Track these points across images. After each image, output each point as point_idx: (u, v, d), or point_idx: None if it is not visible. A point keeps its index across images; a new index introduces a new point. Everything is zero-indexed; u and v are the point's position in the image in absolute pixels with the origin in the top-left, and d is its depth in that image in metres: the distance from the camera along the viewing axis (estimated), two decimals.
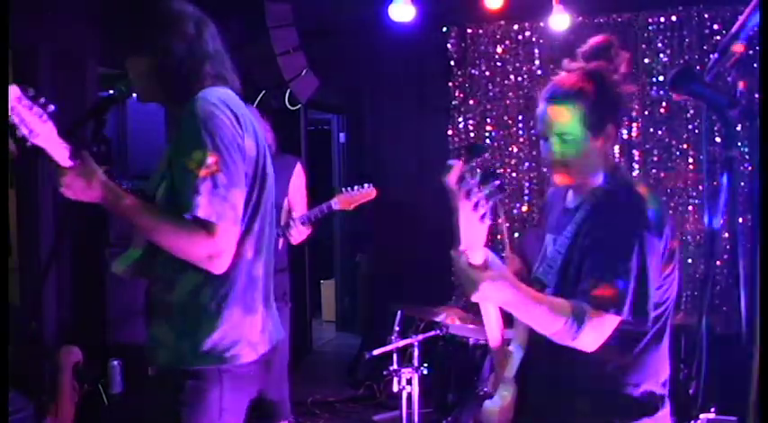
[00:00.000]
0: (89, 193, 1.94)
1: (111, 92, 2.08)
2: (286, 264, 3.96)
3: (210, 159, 1.89)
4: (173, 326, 2.02)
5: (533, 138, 5.41)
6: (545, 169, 5.36)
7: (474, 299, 1.75)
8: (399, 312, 3.82)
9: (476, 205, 1.67)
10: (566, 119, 1.87)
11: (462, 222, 1.71)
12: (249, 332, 2.02)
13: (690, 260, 5.00)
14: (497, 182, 1.71)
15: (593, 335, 1.74)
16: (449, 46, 5.59)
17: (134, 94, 2.15)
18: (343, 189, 3.96)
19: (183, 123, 1.96)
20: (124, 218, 1.97)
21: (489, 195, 1.66)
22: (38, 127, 1.85)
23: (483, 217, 1.67)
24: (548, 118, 1.90)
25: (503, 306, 1.78)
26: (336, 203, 3.85)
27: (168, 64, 2.02)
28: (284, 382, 3.56)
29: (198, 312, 1.98)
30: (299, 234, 3.81)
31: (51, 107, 1.87)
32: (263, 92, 4.19)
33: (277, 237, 3.56)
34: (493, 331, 2.02)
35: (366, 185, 3.91)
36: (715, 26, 4.90)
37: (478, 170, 1.72)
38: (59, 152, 1.90)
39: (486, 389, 2.25)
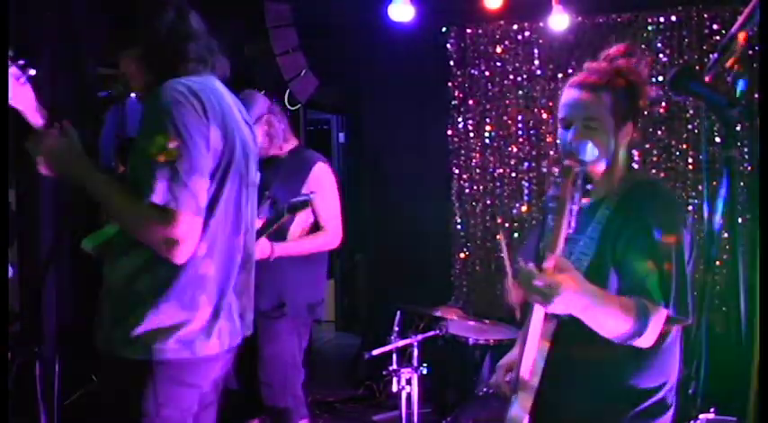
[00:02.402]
0: (64, 162, 1.92)
1: (109, 92, 2.09)
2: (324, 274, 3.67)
3: (172, 145, 1.84)
4: (109, 308, 2.00)
5: (533, 138, 5.41)
6: (544, 169, 5.36)
7: (551, 309, 1.73)
8: (399, 312, 3.81)
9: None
10: (595, 106, 1.88)
11: (556, 229, 1.69)
12: (182, 329, 1.94)
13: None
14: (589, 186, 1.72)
15: (655, 331, 1.76)
16: (448, 46, 5.58)
17: (132, 94, 2.16)
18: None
19: (146, 109, 1.93)
20: (93, 193, 1.94)
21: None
22: (14, 88, 1.84)
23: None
24: (576, 104, 1.91)
25: (576, 311, 1.73)
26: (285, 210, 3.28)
27: (152, 50, 2.01)
28: (284, 391, 3.50)
29: (132, 298, 1.94)
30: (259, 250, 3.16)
31: (32, 71, 1.86)
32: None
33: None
34: (530, 355, 1.90)
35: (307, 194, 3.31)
36: (715, 26, 4.89)
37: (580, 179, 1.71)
38: (35, 118, 1.89)
39: (488, 390, 2.23)
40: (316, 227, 3.56)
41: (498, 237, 4.26)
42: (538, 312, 1.84)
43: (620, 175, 1.95)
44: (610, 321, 1.74)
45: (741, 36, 1.22)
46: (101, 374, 2.09)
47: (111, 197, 1.93)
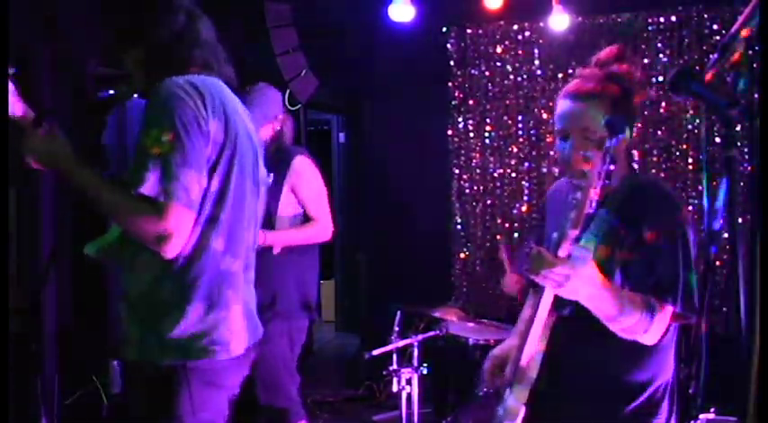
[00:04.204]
0: (51, 157, 1.93)
1: (112, 92, 2.09)
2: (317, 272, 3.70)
3: (166, 137, 1.85)
4: (137, 318, 1.99)
5: (533, 138, 5.41)
6: (544, 169, 5.36)
7: (561, 293, 1.74)
8: (399, 312, 3.81)
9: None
10: (590, 116, 1.87)
11: (579, 206, 1.70)
12: (218, 329, 1.95)
13: None
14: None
15: (659, 327, 1.78)
16: (449, 46, 5.58)
17: (135, 95, 2.16)
18: None
19: (147, 104, 1.94)
20: (80, 188, 1.93)
21: None
22: None
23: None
24: (570, 115, 1.90)
25: (584, 300, 1.75)
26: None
27: (157, 51, 2.01)
28: (276, 391, 3.47)
29: (159, 304, 1.94)
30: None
31: (11, 69, 1.87)
32: None
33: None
34: (533, 345, 1.90)
35: None
36: (715, 26, 4.89)
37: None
38: (20, 115, 1.91)
39: (486, 389, 2.23)
40: (306, 220, 3.56)
41: (498, 237, 4.28)
42: (545, 302, 1.84)
43: (620, 175, 1.95)
44: (615, 313, 1.75)
45: (744, 32, 1.22)
46: (130, 384, 2.08)
47: (99, 190, 1.92)
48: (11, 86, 1.89)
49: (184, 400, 1.92)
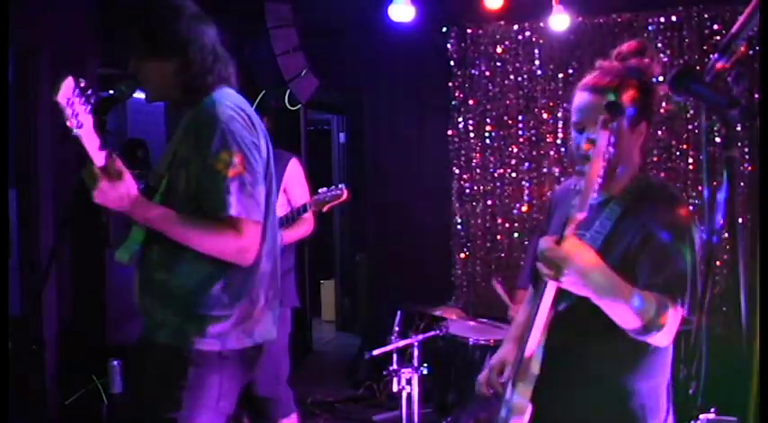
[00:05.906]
0: (120, 202, 2.00)
1: (112, 92, 2.09)
2: (292, 264, 3.87)
3: (236, 159, 1.99)
4: (177, 306, 2.08)
5: (533, 138, 5.40)
6: (544, 169, 5.36)
7: (562, 284, 1.73)
8: (399, 312, 3.82)
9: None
10: None
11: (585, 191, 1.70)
12: (250, 322, 2.12)
13: None
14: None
15: (671, 329, 1.75)
16: (449, 46, 5.58)
17: (135, 94, 2.16)
18: (319, 190, 3.78)
19: (204, 126, 2.03)
20: (153, 226, 2.04)
21: None
22: (84, 118, 1.89)
23: None
24: (589, 108, 1.89)
25: (592, 293, 1.73)
26: (310, 205, 3.71)
27: (194, 66, 2.08)
28: (276, 381, 3.55)
29: (208, 300, 2.06)
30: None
31: (94, 98, 1.92)
32: (263, 92, 4.19)
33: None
34: (536, 338, 1.88)
35: (338, 187, 3.72)
36: (715, 26, 4.89)
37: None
38: (93, 145, 1.94)
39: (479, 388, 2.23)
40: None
41: (494, 282, 4.28)
42: (547, 298, 1.83)
43: (632, 174, 1.94)
44: (626, 310, 1.72)
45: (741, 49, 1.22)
46: (150, 366, 2.19)
47: (176, 226, 2.03)
48: (90, 118, 1.90)
49: (213, 386, 2.05)
